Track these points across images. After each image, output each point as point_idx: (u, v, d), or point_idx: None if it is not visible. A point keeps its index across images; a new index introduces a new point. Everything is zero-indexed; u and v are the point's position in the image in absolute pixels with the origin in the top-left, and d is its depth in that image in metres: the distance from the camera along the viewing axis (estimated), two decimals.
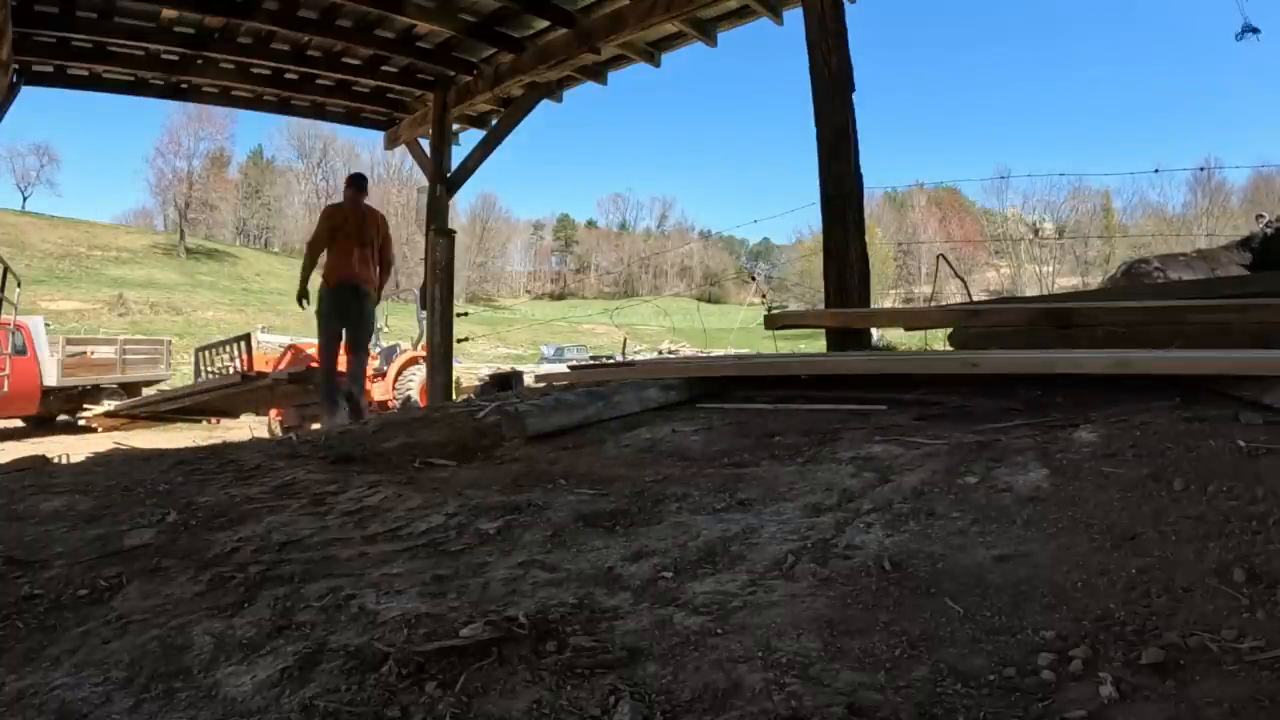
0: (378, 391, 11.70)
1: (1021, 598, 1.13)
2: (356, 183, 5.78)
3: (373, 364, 12.34)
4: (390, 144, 8.62)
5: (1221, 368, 2.07)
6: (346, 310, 5.37)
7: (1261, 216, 6.48)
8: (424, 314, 8.36)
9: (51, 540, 1.72)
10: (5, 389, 10.79)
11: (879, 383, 2.73)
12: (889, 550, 1.33)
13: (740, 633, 1.09)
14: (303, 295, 5.53)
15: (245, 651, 1.14)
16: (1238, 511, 1.31)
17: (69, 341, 13.51)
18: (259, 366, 10.16)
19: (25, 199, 50.75)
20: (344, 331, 5.42)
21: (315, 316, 5.44)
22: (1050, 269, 51.59)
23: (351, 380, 5.48)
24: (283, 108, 7.92)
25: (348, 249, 5.34)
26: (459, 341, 8.08)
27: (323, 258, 5.48)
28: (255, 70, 7.01)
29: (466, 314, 11.23)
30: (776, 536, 1.45)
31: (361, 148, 58.26)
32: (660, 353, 28.42)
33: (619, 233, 73.25)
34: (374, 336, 13.04)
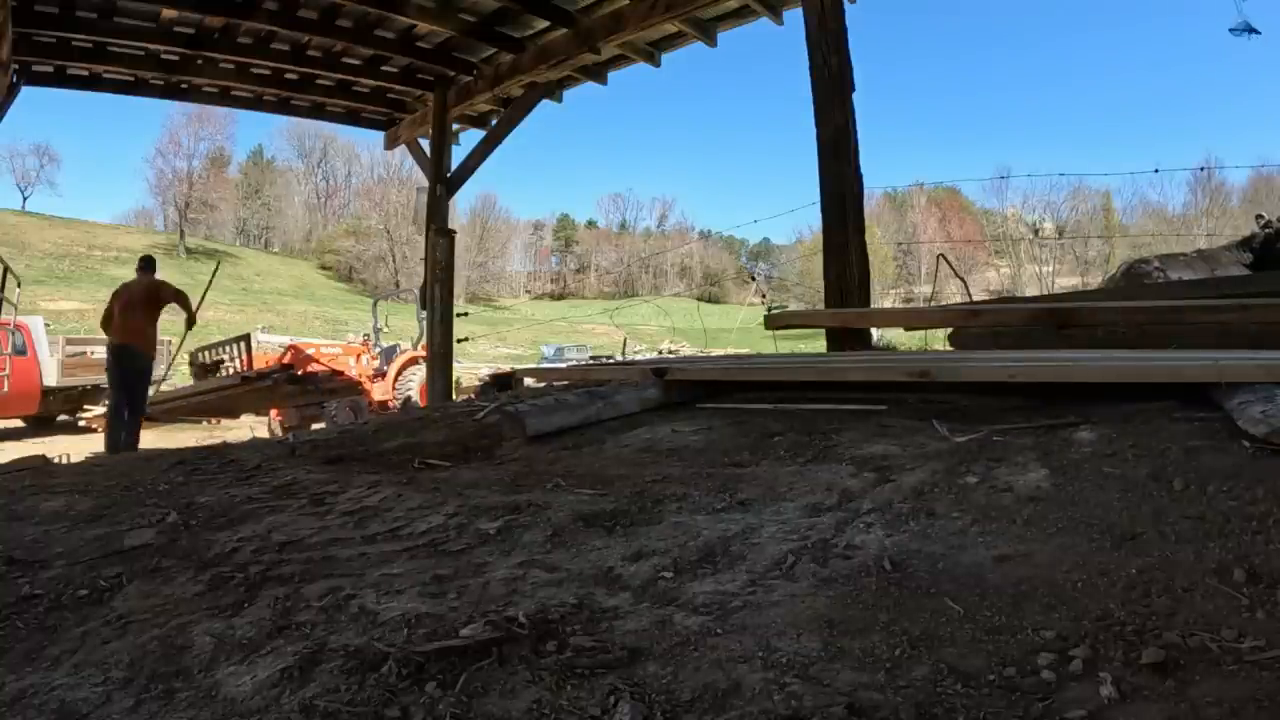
0: (378, 391, 11.70)
1: (1021, 598, 1.13)
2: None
3: (373, 364, 12.36)
4: (390, 144, 8.63)
5: (1193, 375, 2.04)
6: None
7: (1261, 216, 6.48)
8: (424, 314, 8.36)
9: (51, 540, 1.72)
10: (5, 389, 10.79)
11: (879, 383, 2.73)
12: (889, 550, 1.33)
13: (740, 633, 1.09)
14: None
15: (245, 651, 1.14)
16: (1238, 511, 1.31)
17: (69, 341, 13.50)
18: (259, 367, 10.15)
19: (25, 199, 50.80)
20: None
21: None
22: (1050, 269, 51.58)
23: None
24: (283, 108, 7.93)
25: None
26: (459, 341, 8.08)
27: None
28: (255, 70, 7.01)
29: (466, 314, 11.23)
30: (776, 536, 1.45)
31: (361, 148, 58.32)
32: (660, 352, 28.42)
33: (619, 233, 73.23)
34: (374, 336, 13.09)
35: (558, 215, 72.35)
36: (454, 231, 7.52)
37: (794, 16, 5.20)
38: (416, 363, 11.63)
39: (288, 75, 7.18)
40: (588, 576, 1.35)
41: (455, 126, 7.91)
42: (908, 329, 5.91)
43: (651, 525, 1.60)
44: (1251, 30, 6.26)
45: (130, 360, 6.32)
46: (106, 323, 6.50)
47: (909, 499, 1.59)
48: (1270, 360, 2.01)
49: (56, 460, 3.54)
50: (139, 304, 6.39)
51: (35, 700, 1.05)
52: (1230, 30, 6.24)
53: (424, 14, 6.07)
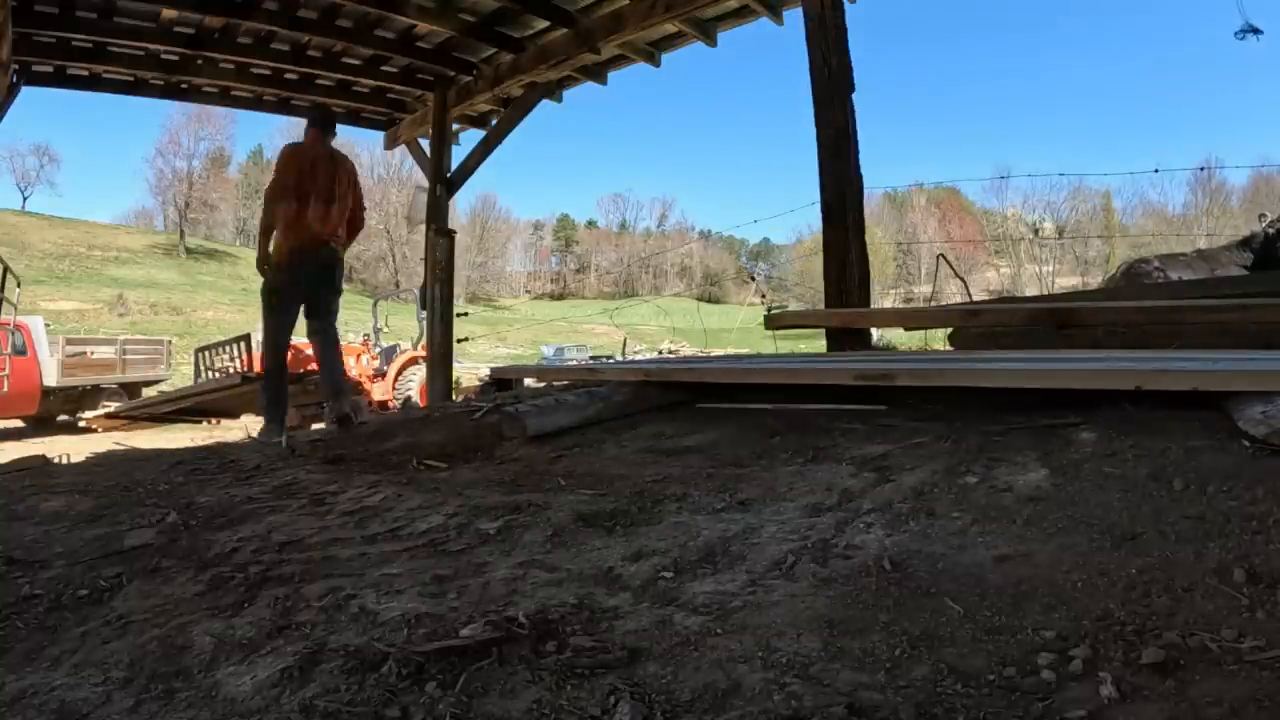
0: (378, 391, 11.70)
1: (1021, 598, 1.13)
2: (322, 122, 4.26)
3: (373, 364, 12.35)
4: (390, 144, 8.62)
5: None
6: (313, 281, 4.00)
7: (1264, 216, 6.48)
8: (424, 314, 8.35)
9: (51, 540, 1.72)
10: (5, 389, 10.79)
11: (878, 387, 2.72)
12: (889, 550, 1.33)
13: (740, 633, 1.09)
14: (265, 263, 4.00)
15: (245, 651, 1.14)
16: (1238, 511, 1.31)
17: (69, 341, 13.48)
18: (259, 367, 10.15)
19: (25, 199, 50.82)
20: (305, 310, 4.07)
21: (262, 294, 4.03)
22: (1050, 269, 51.61)
23: (336, 390, 4.08)
24: (283, 108, 7.92)
25: (312, 204, 3.94)
26: (459, 341, 8.08)
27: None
28: (255, 70, 7.01)
29: (466, 314, 11.22)
30: (776, 536, 1.45)
31: (361, 148, 58.25)
32: (660, 352, 28.42)
33: (619, 233, 73.24)
34: (374, 336, 13.08)
35: (558, 215, 72.41)
36: (454, 231, 7.52)
37: (794, 16, 5.20)
38: (416, 363, 11.62)
39: (288, 75, 7.18)
40: (588, 576, 1.35)
41: (455, 126, 7.91)
42: (908, 329, 5.91)
43: (651, 525, 1.60)
44: (1254, 30, 6.26)
45: (324, 259, 4.08)
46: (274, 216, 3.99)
47: (909, 499, 1.59)
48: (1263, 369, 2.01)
49: (56, 460, 3.54)
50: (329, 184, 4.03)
51: (35, 700, 1.05)
52: (1235, 34, 6.25)
53: (424, 14, 6.06)
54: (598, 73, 6.81)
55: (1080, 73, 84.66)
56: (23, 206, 49.20)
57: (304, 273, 3.97)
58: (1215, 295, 3.53)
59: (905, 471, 1.77)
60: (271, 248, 3.96)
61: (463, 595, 1.29)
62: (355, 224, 4.29)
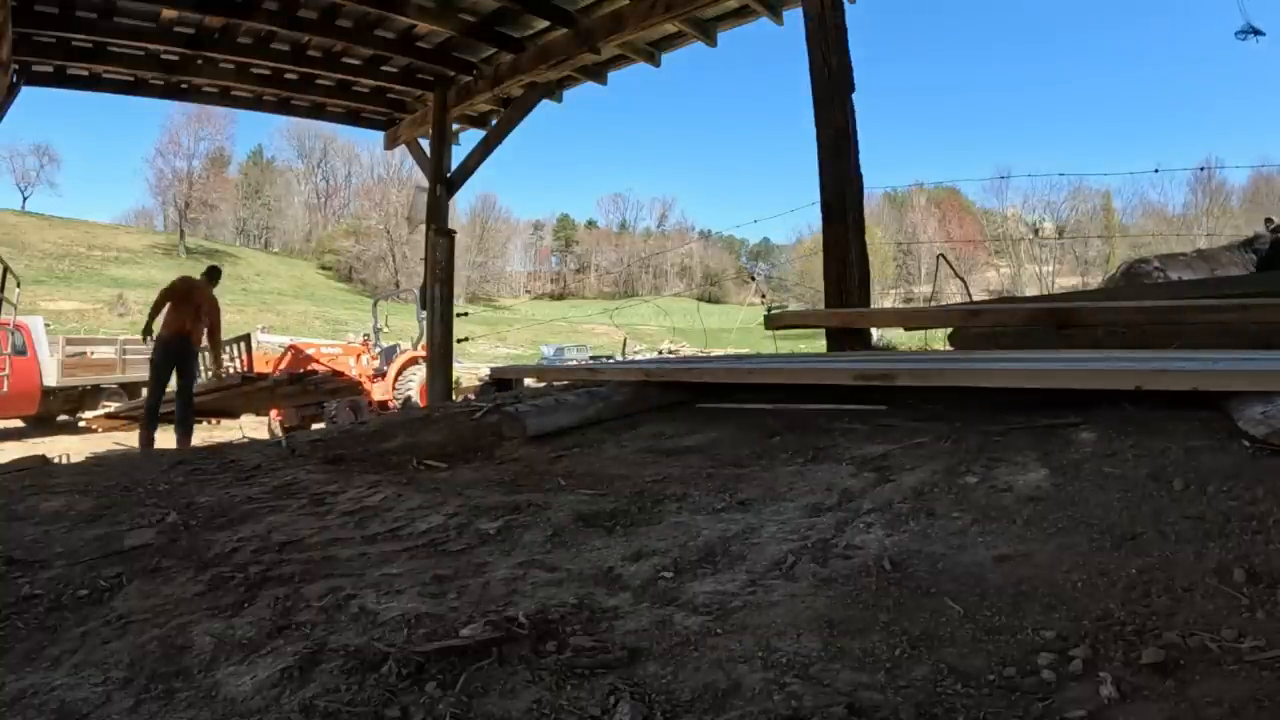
0: (378, 391, 11.69)
1: (1021, 598, 1.13)
2: (207, 274, 7.61)
3: (373, 364, 12.35)
4: (390, 144, 8.62)
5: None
6: (177, 358, 6.81)
7: (1271, 220, 6.48)
8: (424, 314, 8.36)
9: (51, 540, 1.72)
10: (5, 389, 10.78)
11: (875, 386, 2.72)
12: (889, 550, 1.33)
13: (740, 633, 1.09)
14: (148, 331, 6.83)
15: (245, 651, 1.14)
16: (1238, 511, 1.31)
17: (69, 341, 13.48)
18: (259, 367, 10.14)
19: (25, 199, 50.82)
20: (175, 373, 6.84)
21: (150, 361, 6.94)
22: (1050, 269, 51.63)
23: (183, 431, 6.71)
24: (283, 108, 7.92)
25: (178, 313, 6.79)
26: (459, 341, 8.08)
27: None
28: (255, 70, 7.01)
29: (466, 314, 11.22)
30: (776, 536, 1.45)
31: (361, 148, 58.38)
32: (660, 352, 28.43)
33: (619, 233, 73.22)
34: (374, 336, 13.09)
35: (558, 215, 72.35)
36: (454, 231, 7.51)
37: (794, 16, 5.20)
38: (416, 363, 11.61)
39: (288, 75, 7.18)
40: (588, 576, 1.35)
41: (455, 126, 7.91)
42: (907, 329, 5.91)
43: (651, 525, 1.60)
44: (1256, 32, 6.26)
45: (183, 345, 6.78)
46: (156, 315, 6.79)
47: (909, 499, 1.59)
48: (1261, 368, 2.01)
49: (56, 460, 3.54)
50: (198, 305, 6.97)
51: (35, 700, 1.05)
52: (1236, 34, 6.25)
53: (424, 14, 6.07)
54: (598, 73, 6.81)
55: (1080, 73, 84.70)
56: (23, 206, 49.23)
57: (171, 352, 6.68)
58: (1215, 295, 3.52)
59: (905, 471, 1.77)
60: (155, 334, 6.76)
61: (463, 595, 1.29)
62: (212, 330, 7.25)
